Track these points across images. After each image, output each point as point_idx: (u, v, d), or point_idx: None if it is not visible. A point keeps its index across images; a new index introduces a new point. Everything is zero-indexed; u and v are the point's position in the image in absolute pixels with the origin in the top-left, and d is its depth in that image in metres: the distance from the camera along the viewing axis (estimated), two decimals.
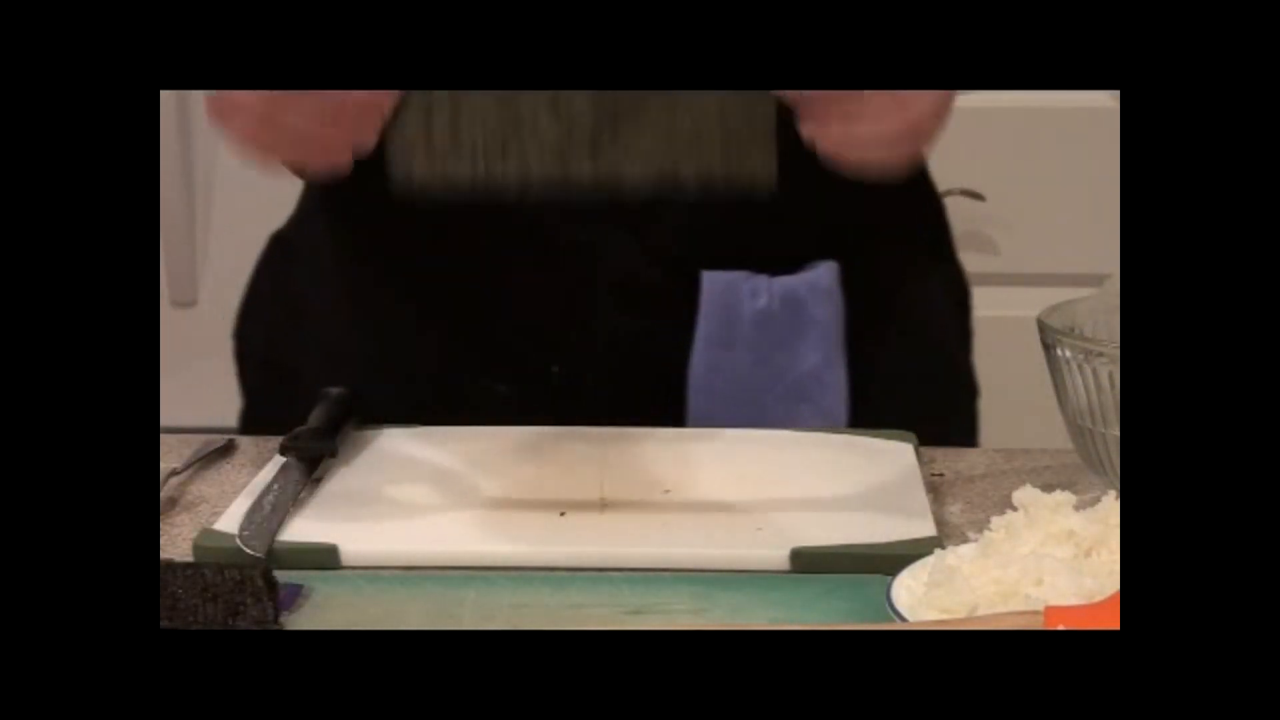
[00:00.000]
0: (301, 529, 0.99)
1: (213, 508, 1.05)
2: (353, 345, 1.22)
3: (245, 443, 1.17)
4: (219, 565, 0.88)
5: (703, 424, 1.17)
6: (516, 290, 1.18)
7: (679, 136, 1.00)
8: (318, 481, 1.06)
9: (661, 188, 1.01)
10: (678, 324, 1.16)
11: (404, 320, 1.19)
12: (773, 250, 1.17)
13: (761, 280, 1.17)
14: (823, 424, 1.16)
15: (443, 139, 1.00)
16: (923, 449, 1.12)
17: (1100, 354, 1.00)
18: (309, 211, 1.26)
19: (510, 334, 1.18)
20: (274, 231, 1.29)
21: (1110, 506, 0.88)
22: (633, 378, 1.16)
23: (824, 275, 1.17)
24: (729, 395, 1.16)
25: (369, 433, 1.15)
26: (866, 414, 1.17)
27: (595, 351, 1.17)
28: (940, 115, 1.03)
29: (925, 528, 0.98)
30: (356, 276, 1.21)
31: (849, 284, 1.18)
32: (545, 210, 1.15)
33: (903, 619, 0.83)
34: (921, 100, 1.00)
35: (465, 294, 1.17)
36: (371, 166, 1.12)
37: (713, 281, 1.16)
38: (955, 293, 1.28)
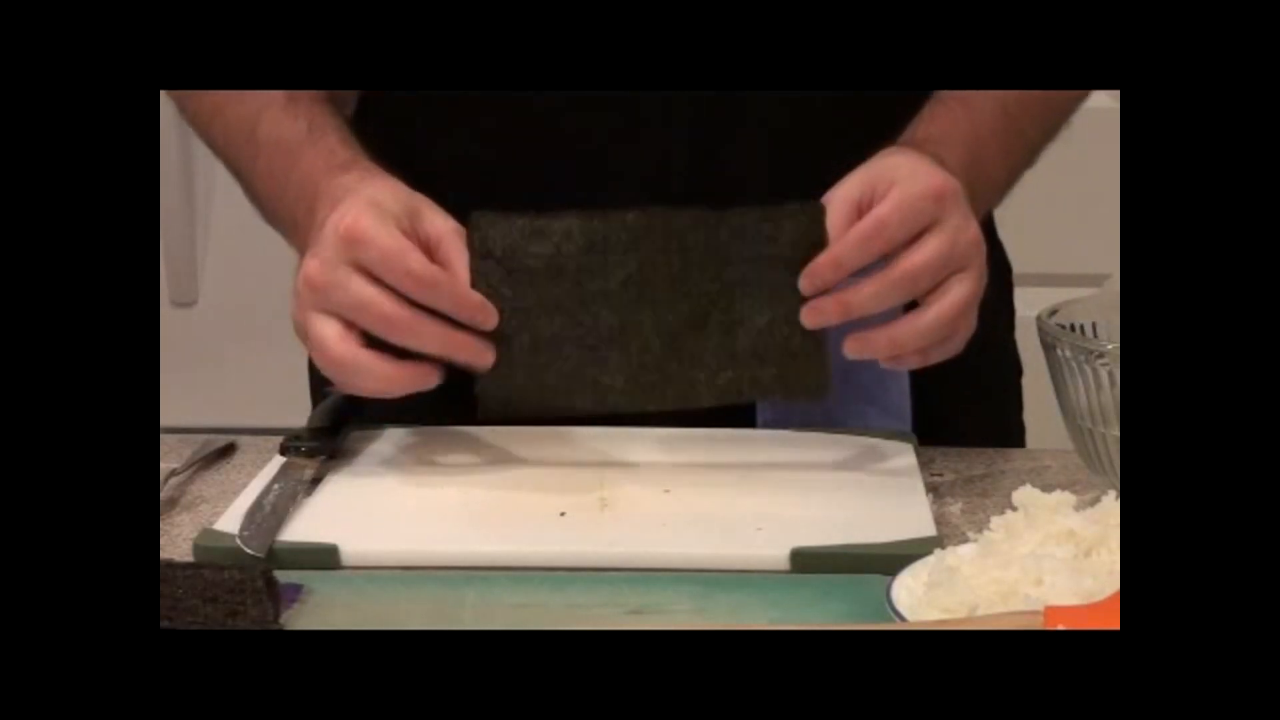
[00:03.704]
0: (301, 529, 0.99)
1: (213, 508, 1.05)
2: None
3: (245, 443, 1.17)
4: (219, 566, 0.88)
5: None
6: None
7: (739, 355, 1.05)
8: (318, 481, 1.06)
9: (725, 399, 1.06)
10: None
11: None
12: None
13: None
14: (889, 424, 1.15)
15: (523, 379, 1.05)
16: (922, 449, 1.12)
17: (1100, 354, 1.00)
18: None
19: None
20: None
21: (1110, 506, 0.88)
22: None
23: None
24: (794, 403, 1.14)
25: (369, 433, 1.15)
26: (928, 409, 1.16)
27: None
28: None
29: (925, 528, 0.98)
30: None
31: None
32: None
33: (903, 619, 0.83)
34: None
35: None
36: (441, 196, 1.12)
37: None
38: (1000, 274, 1.26)
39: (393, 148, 1.13)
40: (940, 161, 1.07)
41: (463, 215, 1.05)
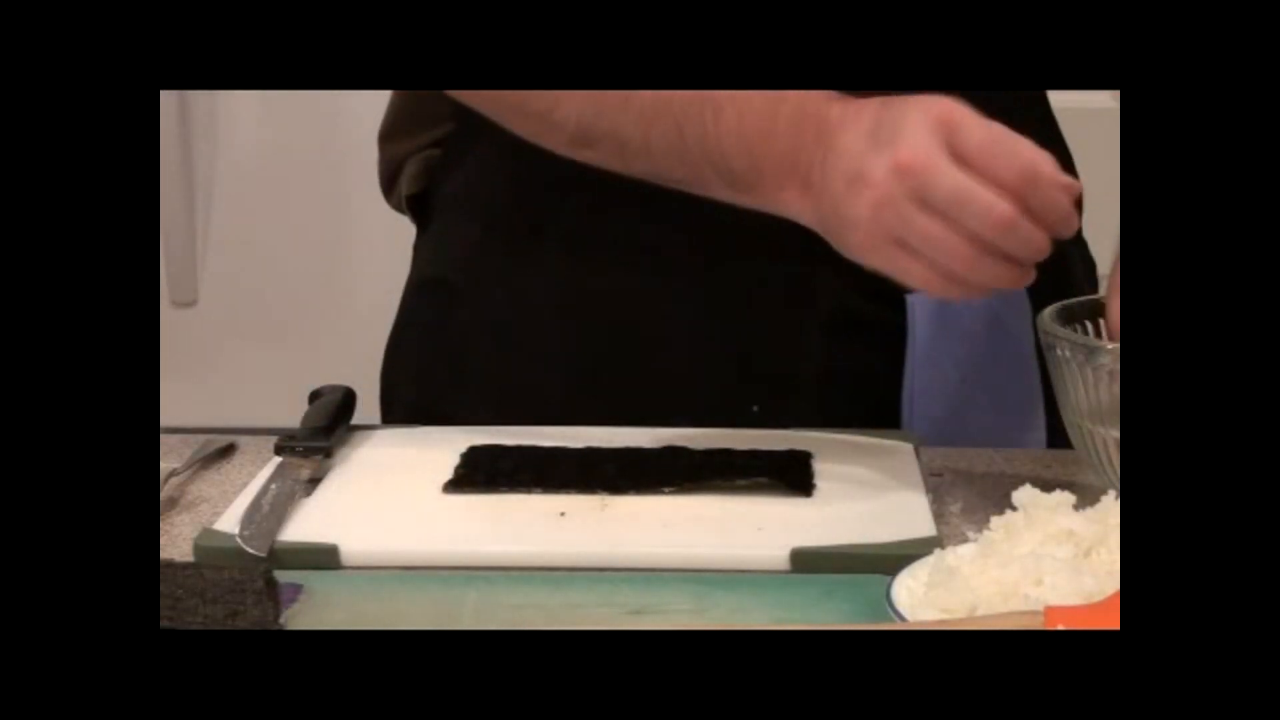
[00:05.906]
0: (301, 529, 0.99)
1: (213, 508, 1.05)
2: (525, 389, 1.19)
3: (245, 443, 1.17)
4: (219, 566, 0.88)
5: None
6: (722, 329, 1.16)
7: None
8: (314, 481, 1.06)
9: None
10: (887, 352, 1.15)
11: (591, 365, 1.15)
12: None
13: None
14: (1029, 439, 1.16)
15: None
16: (923, 449, 1.12)
17: (1100, 354, 1.00)
18: (479, 254, 1.21)
19: (711, 373, 1.17)
20: (422, 276, 1.25)
21: (1110, 506, 0.88)
22: (843, 410, 1.15)
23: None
24: (940, 419, 1.15)
25: (367, 432, 1.15)
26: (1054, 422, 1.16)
27: (804, 386, 1.15)
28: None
29: (925, 528, 0.98)
30: (542, 317, 1.16)
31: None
32: (754, 250, 1.14)
33: (903, 619, 0.83)
34: None
35: (654, 337, 1.15)
36: (556, 207, 1.11)
37: (920, 305, 1.14)
38: (1090, 273, 1.27)
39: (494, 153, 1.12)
40: None
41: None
